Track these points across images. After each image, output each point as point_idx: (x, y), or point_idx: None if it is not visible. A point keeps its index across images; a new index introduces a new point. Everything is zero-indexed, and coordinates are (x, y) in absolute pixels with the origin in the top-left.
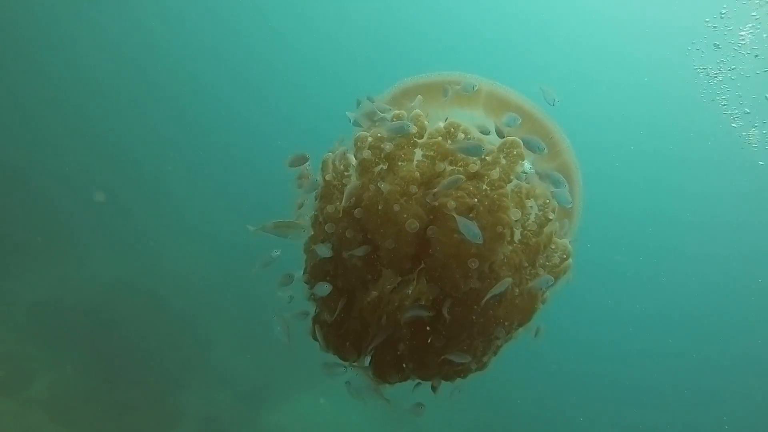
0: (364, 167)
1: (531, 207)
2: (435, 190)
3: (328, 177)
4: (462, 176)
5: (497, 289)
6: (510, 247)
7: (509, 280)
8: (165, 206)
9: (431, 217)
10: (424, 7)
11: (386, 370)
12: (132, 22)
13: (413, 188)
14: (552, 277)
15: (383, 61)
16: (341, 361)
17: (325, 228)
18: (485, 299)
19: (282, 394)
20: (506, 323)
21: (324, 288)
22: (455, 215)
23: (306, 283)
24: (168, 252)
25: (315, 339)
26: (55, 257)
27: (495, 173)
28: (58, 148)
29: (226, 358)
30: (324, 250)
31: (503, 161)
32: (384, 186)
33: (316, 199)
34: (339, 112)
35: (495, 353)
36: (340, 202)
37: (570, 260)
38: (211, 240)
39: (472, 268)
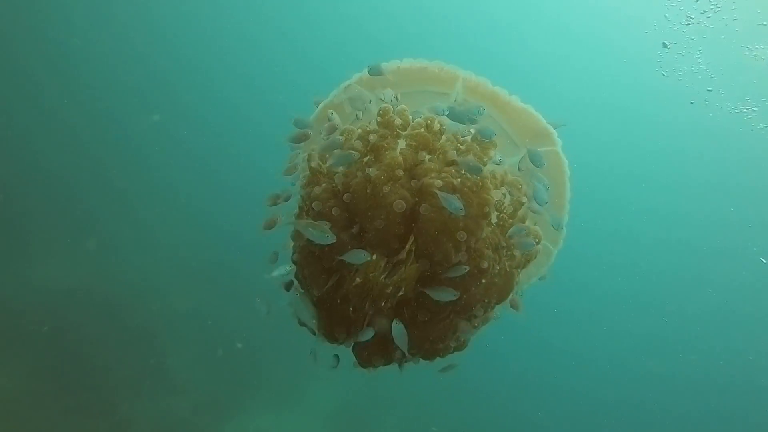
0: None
1: (504, 193)
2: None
3: (313, 164)
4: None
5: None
6: (489, 228)
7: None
8: (131, 213)
9: (416, 198)
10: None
11: (372, 354)
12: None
13: (399, 172)
14: (532, 240)
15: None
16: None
17: (312, 206)
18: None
19: (244, 409)
20: (486, 300)
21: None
22: (437, 191)
23: (294, 263)
24: (130, 258)
25: (302, 324)
26: (11, 256)
27: (470, 157)
28: (23, 144)
29: (185, 368)
30: (320, 235)
31: (477, 148)
32: (372, 171)
33: (302, 188)
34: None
35: (472, 332)
36: (327, 185)
37: (540, 245)
38: (176, 249)
39: (461, 240)
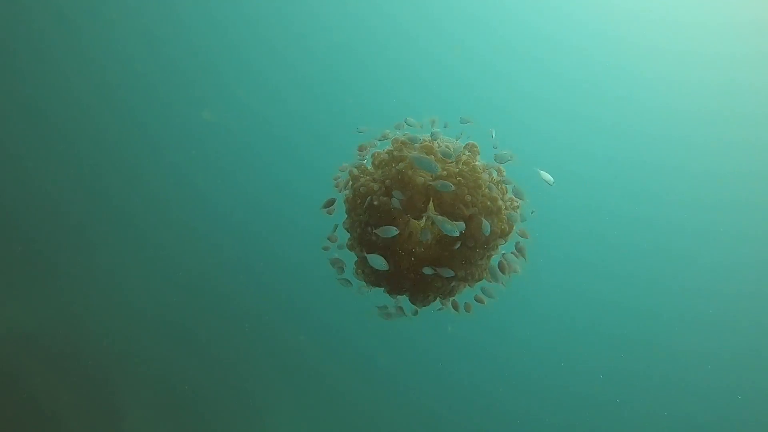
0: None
1: (489, 172)
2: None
3: (355, 172)
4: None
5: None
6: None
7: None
8: (96, 256)
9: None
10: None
11: (425, 288)
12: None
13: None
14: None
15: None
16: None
17: (360, 188)
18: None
19: None
20: (499, 232)
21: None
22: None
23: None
24: (91, 307)
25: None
26: None
27: (464, 157)
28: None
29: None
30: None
31: (467, 152)
32: (401, 165)
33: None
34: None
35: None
36: (369, 177)
37: (521, 204)
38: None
39: (468, 202)
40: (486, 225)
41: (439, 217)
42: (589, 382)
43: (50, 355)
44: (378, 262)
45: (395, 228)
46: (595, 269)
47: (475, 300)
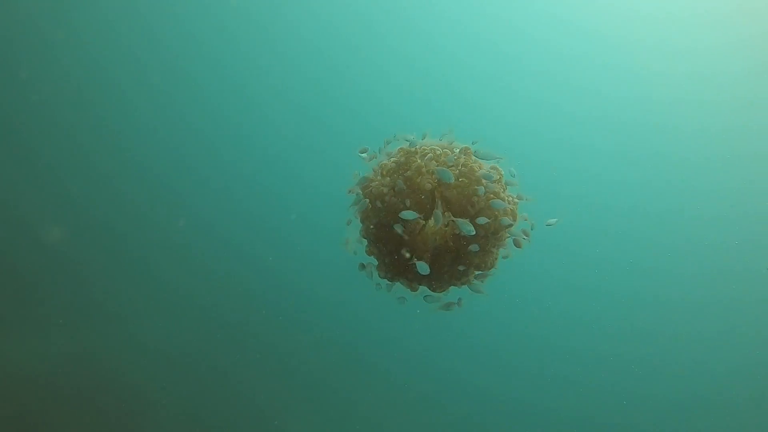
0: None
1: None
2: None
3: (369, 175)
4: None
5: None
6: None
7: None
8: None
9: (437, 184)
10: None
11: (443, 276)
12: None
13: (424, 169)
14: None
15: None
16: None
17: (372, 189)
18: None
19: None
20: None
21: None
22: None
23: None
24: (104, 346)
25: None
26: None
27: (461, 160)
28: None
29: None
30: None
31: (463, 156)
32: (409, 172)
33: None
34: None
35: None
36: (381, 181)
37: (517, 198)
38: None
39: (474, 200)
40: (482, 218)
41: (459, 219)
42: (584, 371)
43: (69, 397)
44: (422, 267)
45: (413, 212)
46: (586, 260)
47: (471, 290)
